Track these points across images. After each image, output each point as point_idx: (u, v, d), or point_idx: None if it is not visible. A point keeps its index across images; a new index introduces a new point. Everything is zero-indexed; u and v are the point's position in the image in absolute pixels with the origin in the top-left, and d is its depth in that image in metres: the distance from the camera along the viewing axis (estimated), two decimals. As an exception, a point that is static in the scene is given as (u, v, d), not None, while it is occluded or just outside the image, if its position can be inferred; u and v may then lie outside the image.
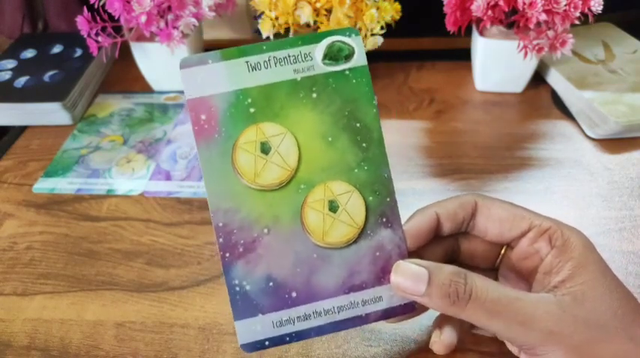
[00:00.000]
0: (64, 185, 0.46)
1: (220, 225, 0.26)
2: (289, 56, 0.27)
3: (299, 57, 0.27)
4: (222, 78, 0.26)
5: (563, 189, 0.43)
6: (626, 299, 0.25)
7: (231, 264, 0.26)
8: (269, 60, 0.26)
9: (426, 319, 0.33)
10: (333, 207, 0.27)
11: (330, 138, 0.27)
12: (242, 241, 0.26)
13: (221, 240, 0.26)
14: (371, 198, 0.27)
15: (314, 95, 0.27)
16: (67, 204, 0.44)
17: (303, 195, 0.27)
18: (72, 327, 0.34)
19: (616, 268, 0.26)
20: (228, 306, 0.35)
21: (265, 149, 0.26)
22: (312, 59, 0.27)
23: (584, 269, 0.25)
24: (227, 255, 0.26)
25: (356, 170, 0.27)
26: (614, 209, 0.41)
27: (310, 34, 0.27)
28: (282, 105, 0.27)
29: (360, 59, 0.27)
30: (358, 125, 0.27)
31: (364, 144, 0.27)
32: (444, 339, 0.28)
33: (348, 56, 0.27)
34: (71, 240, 0.40)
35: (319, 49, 0.27)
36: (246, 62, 0.26)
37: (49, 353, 0.33)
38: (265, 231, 0.26)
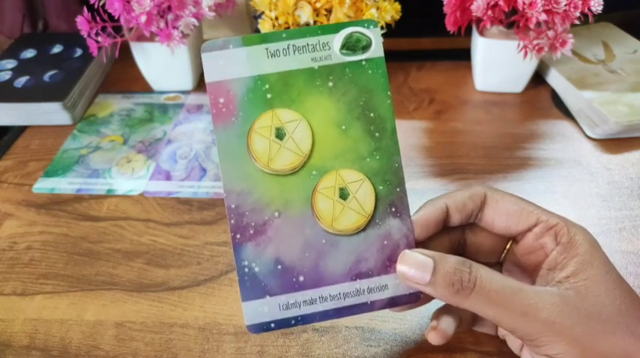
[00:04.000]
0: (64, 185, 0.46)
1: (233, 206, 0.27)
2: (308, 45, 0.27)
3: (317, 46, 0.27)
4: (242, 63, 0.27)
5: (563, 189, 0.43)
6: (629, 296, 0.25)
7: (241, 245, 0.27)
8: (288, 47, 0.27)
9: (426, 319, 0.33)
10: (343, 195, 0.27)
11: (343, 127, 0.27)
12: (253, 223, 0.27)
13: (233, 221, 0.27)
14: (381, 187, 0.27)
15: (330, 84, 0.27)
16: (67, 204, 0.44)
17: (315, 182, 0.27)
18: (72, 327, 0.34)
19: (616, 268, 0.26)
20: (228, 306, 0.35)
21: (280, 134, 0.27)
22: (330, 48, 0.27)
23: (589, 265, 0.25)
24: (238, 236, 0.27)
25: (368, 159, 0.27)
26: (614, 209, 0.41)
27: (329, 24, 0.27)
28: (299, 92, 0.27)
29: (377, 50, 0.28)
30: (372, 115, 0.27)
31: (377, 134, 0.27)
32: (440, 328, 0.28)
33: (366, 47, 0.27)
34: (71, 240, 0.40)
35: (337, 39, 0.27)
36: (266, 49, 0.27)
37: (49, 353, 0.33)
38: (276, 214, 0.27)
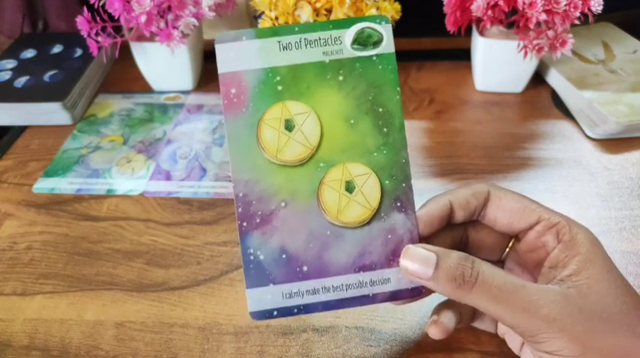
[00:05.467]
0: (64, 185, 0.46)
1: (240, 195, 0.27)
2: (320, 39, 0.27)
3: (329, 40, 0.27)
4: (254, 55, 0.27)
5: (563, 189, 0.43)
6: (630, 295, 0.25)
7: (247, 234, 0.27)
8: (300, 41, 0.27)
9: (426, 318, 0.33)
10: (349, 188, 0.27)
11: (352, 121, 0.28)
12: (259, 212, 0.27)
13: (240, 209, 0.27)
14: (387, 181, 0.28)
15: (340, 78, 0.28)
16: (67, 204, 0.44)
17: (322, 174, 0.27)
18: (72, 327, 0.34)
19: (616, 268, 0.26)
20: (228, 306, 0.35)
21: (289, 126, 0.27)
22: (341, 43, 0.28)
23: (590, 264, 0.25)
24: (244, 224, 0.27)
25: (375, 153, 0.28)
26: (614, 209, 0.41)
27: (342, 19, 0.28)
28: (309, 86, 0.27)
29: (388, 46, 0.28)
30: (381, 110, 0.28)
31: (385, 129, 0.28)
32: (441, 322, 0.28)
33: (377, 42, 0.28)
34: (71, 240, 0.40)
35: (349, 34, 0.27)
36: (278, 42, 0.27)
37: (49, 353, 0.33)
38: (282, 204, 0.27)
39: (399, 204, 0.28)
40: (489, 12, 0.48)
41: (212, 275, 0.37)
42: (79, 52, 0.58)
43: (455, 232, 0.30)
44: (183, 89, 0.57)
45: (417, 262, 0.26)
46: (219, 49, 0.27)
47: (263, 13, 0.50)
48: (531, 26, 0.47)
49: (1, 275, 0.38)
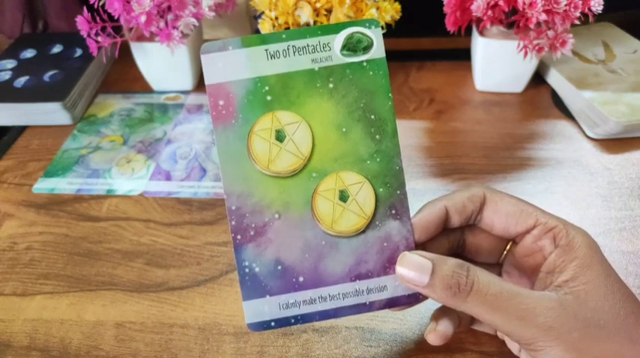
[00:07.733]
0: (63, 185, 0.46)
1: (233, 208, 0.27)
2: (308, 46, 0.27)
3: (318, 47, 0.27)
4: (242, 65, 0.27)
5: (563, 190, 0.43)
6: (628, 301, 0.25)
7: (241, 246, 0.27)
8: (288, 49, 0.27)
9: (426, 319, 0.33)
10: (343, 197, 0.27)
11: (344, 129, 0.27)
12: (253, 225, 0.27)
13: (233, 222, 0.27)
14: (381, 189, 0.27)
15: (331, 85, 0.27)
16: (66, 204, 0.44)
17: (315, 184, 0.27)
18: (72, 327, 0.34)
19: (616, 268, 0.26)
20: (227, 306, 0.35)
21: (280, 137, 0.27)
22: (330, 49, 0.27)
23: (588, 269, 0.25)
24: (238, 237, 0.27)
25: (368, 161, 0.27)
26: (614, 209, 0.41)
27: (330, 24, 0.27)
28: (299, 94, 0.27)
29: (378, 51, 0.27)
30: (373, 117, 0.27)
31: (378, 137, 0.27)
32: (439, 330, 0.28)
33: (367, 48, 0.27)
34: (71, 240, 0.40)
35: (338, 40, 0.27)
36: (266, 50, 0.27)
37: (49, 353, 0.33)
38: (276, 216, 0.27)
39: (393, 212, 0.27)
40: (489, 12, 0.48)
41: (212, 276, 0.37)
42: (79, 52, 0.58)
43: (451, 237, 0.30)
44: (183, 89, 0.57)
45: (412, 269, 0.26)
46: (205, 60, 0.27)
47: (263, 13, 0.50)
48: (531, 26, 0.47)
49: (1, 275, 0.38)
